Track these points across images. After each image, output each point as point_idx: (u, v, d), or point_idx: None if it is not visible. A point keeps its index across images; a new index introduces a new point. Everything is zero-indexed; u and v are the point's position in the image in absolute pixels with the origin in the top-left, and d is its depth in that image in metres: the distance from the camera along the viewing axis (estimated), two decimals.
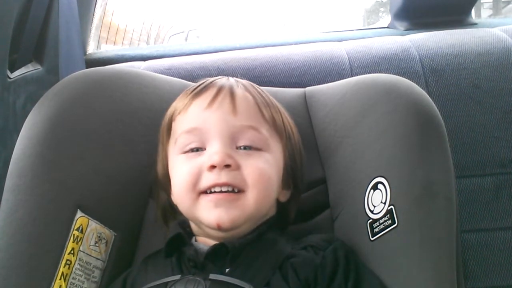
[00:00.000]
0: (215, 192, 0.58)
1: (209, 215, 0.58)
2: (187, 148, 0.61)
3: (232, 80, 0.67)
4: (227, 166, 0.58)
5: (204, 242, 0.62)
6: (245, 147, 0.60)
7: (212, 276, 0.54)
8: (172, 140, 0.65)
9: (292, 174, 0.66)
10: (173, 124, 0.65)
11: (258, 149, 0.61)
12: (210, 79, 0.67)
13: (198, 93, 0.63)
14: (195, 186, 0.59)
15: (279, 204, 0.66)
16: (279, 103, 0.69)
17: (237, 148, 0.60)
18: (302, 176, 0.69)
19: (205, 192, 0.59)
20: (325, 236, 0.64)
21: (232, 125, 0.60)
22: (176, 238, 0.62)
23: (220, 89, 0.63)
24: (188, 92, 0.65)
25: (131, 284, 0.62)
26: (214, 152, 0.58)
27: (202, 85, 0.65)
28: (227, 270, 0.57)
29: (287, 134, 0.66)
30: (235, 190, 0.58)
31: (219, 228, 0.57)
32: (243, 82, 0.67)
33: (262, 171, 0.59)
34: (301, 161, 0.69)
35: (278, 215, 0.66)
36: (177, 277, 0.56)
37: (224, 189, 0.58)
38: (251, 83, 0.68)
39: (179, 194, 0.61)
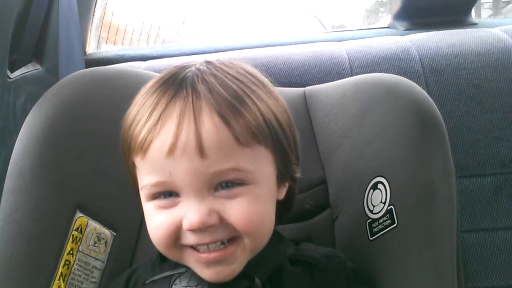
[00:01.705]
0: (201, 249, 0.51)
1: (203, 273, 0.52)
2: (157, 195, 0.52)
3: (190, 80, 0.52)
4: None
5: None
6: (226, 184, 0.50)
7: None
8: (138, 176, 0.55)
9: (287, 169, 0.58)
10: (135, 162, 0.54)
11: (241, 184, 0.51)
12: (168, 87, 0.52)
13: (155, 123, 0.50)
14: (175, 242, 0.51)
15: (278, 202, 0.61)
16: (259, 82, 0.56)
17: (216, 189, 0.50)
18: (297, 161, 0.60)
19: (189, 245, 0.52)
20: (327, 251, 0.60)
21: (204, 173, 0.49)
22: None
23: (181, 117, 0.49)
24: (144, 111, 0.52)
25: (135, 280, 0.62)
26: (191, 213, 0.49)
27: (160, 103, 0.51)
28: None
29: (272, 131, 0.53)
30: (225, 241, 0.51)
31: (216, 283, 0.52)
32: (206, 83, 0.52)
33: (252, 215, 0.50)
34: (296, 148, 0.59)
35: (277, 212, 0.64)
36: (182, 269, 0.55)
37: (211, 246, 0.50)
38: (217, 68, 0.55)
39: (159, 248, 0.54)
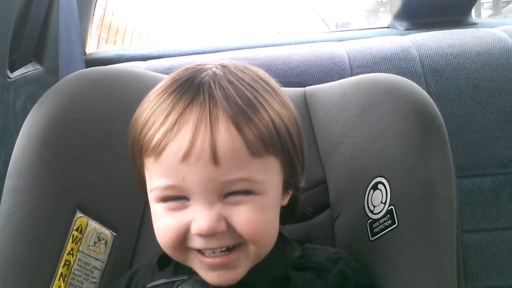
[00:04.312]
0: (206, 253, 0.52)
1: (207, 276, 0.53)
2: (167, 198, 0.52)
3: (207, 86, 0.52)
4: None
5: None
6: (236, 192, 0.51)
7: None
8: (147, 178, 0.55)
9: (293, 179, 0.59)
10: (145, 162, 0.54)
11: (249, 193, 0.51)
12: (184, 91, 0.52)
13: (172, 127, 0.50)
14: (181, 244, 0.52)
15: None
16: (272, 90, 0.56)
17: (225, 196, 0.51)
18: (303, 170, 0.62)
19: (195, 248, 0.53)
20: (331, 253, 0.60)
21: (217, 180, 0.49)
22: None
23: (198, 123, 0.49)
24: (159, 118, 0.51)
25: (136, 283, 0.62)
26: (200, 218, 0.49)
27: (176, 109, 0.51)
28: None
29: (282, 140, 0.54)
30: (230, 247, 0.52)
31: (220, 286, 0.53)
32: (222, 89, 0.52)
33: (257, 224, 0.51)
34: (303, 159, 0.60)
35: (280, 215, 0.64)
36: (185, 277, 0.56)
37: (217, 250, 0.51)
38: (233, 73, 0.55)
39: (165, 249, 0.54)
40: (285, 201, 0.60)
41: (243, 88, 0.53)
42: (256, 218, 0.51)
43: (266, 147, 0.52)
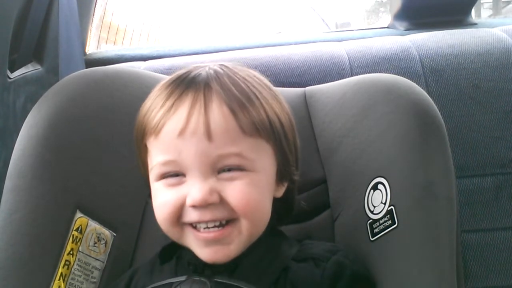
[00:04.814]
0: (201, 228, 0.55)
1: (201, 253, 0.55)
2: (166, 174, 0.56)
3: (206, 77, 0.57)
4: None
5: None
6: (229, 169, 0.55)
7: (217, 278, 0.54)
8: (149, 160, 0.59)
9: (286, 169, 0.61)
10: (147, 144, 0.59)
11: (242, 170, 0.55)
12: (183, 80, 0.58)
13: (169, 108, 0.55)
14: (178, 219, 0.55)
15: (277, 200, 0.63)
16: (262, 84, 0.61)
17: (219, 172, 0.54)
18: (297, 166, 0.65)
19: (190, 224, 0.56)
20: (330, 246, 0.61)
21: (210, 154, 0.53)
22: (170, 246, 0.61)
23: (193, 104, 0.54)
24: (159, 101, 0.57)
25: (135, 284, 0.62)
26: (194, 189, 0.53)
27: (174, 93, 0.56)
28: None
29: (275, 130, 0.58)
30: (224, 222, 0.55)
31: (214, 263, 0.55)
32: (218, 81, 0.56)
33: (249, 198, 0.54)
34: (295, 151, 0.63)
35: (276, 212, 0.63)
36: (183, 278, 0.56)
37: (210, 225, 0.54)
38: (228, 71, 0.59)
39: (162, 225, 0.57)
40: (280, 193, 0.62)
41: (238, 81, 0.58)
42: (248, 192, 0.54)
43: (258, 131, 0.56)
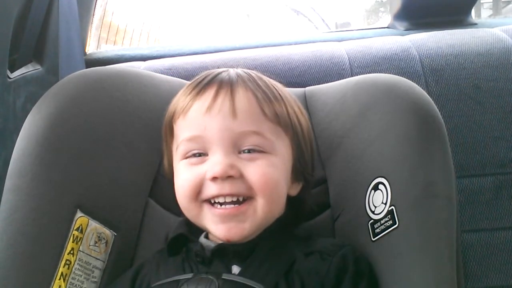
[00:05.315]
0: (219, 203, 0.57)
1: (217, 230, 0.58)
2: (189, 154, 0.60)
3: (233, 74, 0.63)
4: (230, 176, 0.57)
5: (214, 240, 0.62)
6: (249, 150, 0.58)
7: (225, 276, 0.55)
8: (174, 143, 0.63)
9: (301, 167, 0.65)
10: (174, 127, 0.63)
11: (262, 152, 0.59)
12: (211, 74, 0.64)
13: (197, 93, 0.61)
14: (197, 195, 0.58)
15: (290, 199, 0.65)
16: (285, 91, 0.66)
17: (240, 152, 0.58)
18: (312, 168, 0.68)
19: (209, 201, 0.58)
20: (336, 241, 0.63)
21: (233, 131, 0.58)
22: (178, 237, 0.62)
23: (219, 88, 0.60)
24: (188, 90, 0.63)
25: (141, 279, 0.62)
26: (216, 162, 0.57)
27: (202, 83, 0.62)
28: (238, 270, 0.57)
29: (293, 126, 0.63)
30: (241, 199, 0.57)
31: (228, 241, 0.57)
32: (244, 77, 0.63)
33: (268, 177, 0.58)
34: (311, 152, 0.67)
35: (289, 211, 0.65)
36: (189, 275, 0.56)
37: (228, 199, 0.57)
38: (254, 73, 0.65)
39: (182, 202, 0.61)
40: (295, 191, 0.65)
41: (263, 79, 0.64)
42: (267, 171, 0.58)
43: (278, 118, 0.61)
